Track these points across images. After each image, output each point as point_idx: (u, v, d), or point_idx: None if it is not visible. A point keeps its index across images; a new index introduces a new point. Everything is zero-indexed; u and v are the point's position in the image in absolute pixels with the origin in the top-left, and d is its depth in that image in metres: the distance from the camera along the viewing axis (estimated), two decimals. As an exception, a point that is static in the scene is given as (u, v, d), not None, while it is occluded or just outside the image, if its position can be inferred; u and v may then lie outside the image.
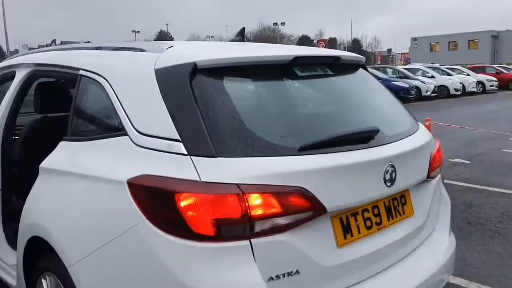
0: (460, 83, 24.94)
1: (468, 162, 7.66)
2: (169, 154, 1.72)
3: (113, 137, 1.99)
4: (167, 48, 2.06)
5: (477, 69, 30.78)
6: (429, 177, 2.31)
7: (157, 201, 1.66)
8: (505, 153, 8.43)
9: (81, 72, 2.35)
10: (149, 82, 1.92)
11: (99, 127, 2.26)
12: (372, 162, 1.92)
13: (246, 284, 1.60)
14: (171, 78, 1.88)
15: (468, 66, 32.31)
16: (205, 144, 1.68)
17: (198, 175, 1.62)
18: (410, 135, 2.27)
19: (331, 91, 2.31)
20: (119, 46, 2.41)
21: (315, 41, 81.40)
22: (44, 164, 2.29)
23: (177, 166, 1.67)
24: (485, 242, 4.18)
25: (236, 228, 1.61)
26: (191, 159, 1.66)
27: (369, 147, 1.96)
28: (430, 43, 65.56)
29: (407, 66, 30.77)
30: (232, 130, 1.75)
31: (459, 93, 24.42)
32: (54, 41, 43.27)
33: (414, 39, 67.15)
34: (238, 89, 1.96)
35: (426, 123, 6.28)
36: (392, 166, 1.98)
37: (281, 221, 1.66)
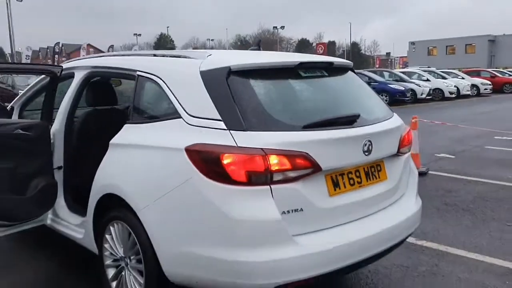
0: (455, 86, 25.78)
1: (453, 156, 8.46)
2: (213, 129, 2.51)
3: (169, 120, 2.78)
4: (207, 56, 2.86)
5: (472, 73, 31.65)
6: (399, 152, 3.10)
7: (207, 160, 2.45)
8: (488, 149, 9.23)
9: (138, 73, 3.15)
10: (196, 80, 2.72)
11: (156, 113, 3.05)
12: (354, 137, 2.72)
13: (267, 215, 2.39)
14: (213, 77, 2.68)
15: (463, 70, 33.14)
16: (239, 122, 2.47)
17: (235, 142, 2.41)
18: (384, 120, 3.07)
19: (326, 87, 3.12)
20: (166, 54, 3.21)
21: (314, 44, 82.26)
22: (113, 141, 3.07)
23: (220, 137, 2.46)
24: (457, 218, 4.97)
25: (260, 177, 2.40)
26: (230, 132, 2.45)
27: (352, 127, 2.76)
28: (428, 47, 66.48)
29: (404, 70, 31.61)
30: (256, 113, 2.55)
31: (453, 96, 25.26)
32: (57, 43, 43.90)
33: (412, 43, 68.07)
34: (259, 84, 2.75)
35: (413, 120, 7.10)
36: (369, 141, 2.77)
37: (291, 174, 2.45)
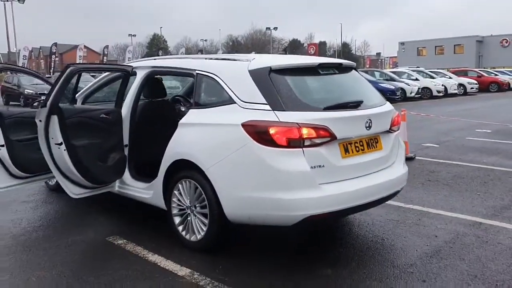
0: (442, 85, 27.08)
1: (437, 146, 9.63)
2: (261, 110, 3.61)
3: (226, 105, 3.87)
4: (252, 59, 3.96)
5: (460, 73, 33.05)
6: (390, 129, 4.22)
7: (258, 131, 3.54)
8: (469, 140, 10.42)
9: (197, 71, 4.24)
10: (246, 76, 3.82)
11: (214, 100, 4.13)
12: (359, 116, 3.84)
13: (301, 167, 3.49)
14: (258, 74, 3.78)
15: (450, 70, 34.50)
16: (279, 105, 3.58)
17: (278, 118, 3.52)
18: (380, 105, 4.18)
19: (337, 81, 4.25)
20: (218, 57, 4.32)
21: (305, 45, 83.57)
22: (182, 121, 4.15)
23: (267, 115, 3.57)
24: (437, 190, 6.11)
25: (296, 142, 3.50)
26: (274, 112, 3.56)
27: (357, 109, 3.88)
28: (418, 48, 67.99)
29: (393, 70, 32.91)
30: (291, 98, 3.66)
31: (441, 94, 26.57)
32: (54, 44, 44.64)
33: (402, 43, 69.53)
34: (291, 79, 3.85)
35: (402, 113, 8.24)
36: (370, 119, 3.88)
37: (316, 141, 3.56)
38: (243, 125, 3.63)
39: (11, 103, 25.56)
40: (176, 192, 4.20)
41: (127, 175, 4.83)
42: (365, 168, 3.93)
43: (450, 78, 29.63)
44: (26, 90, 24.23)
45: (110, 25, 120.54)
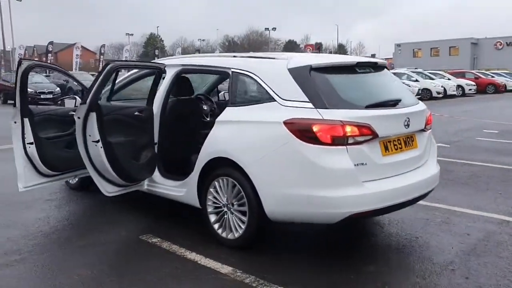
0: (442, 86, 27.27)
1: (448, 146, 9.68)
2: (303, 108, 3.62)
3: (265, 103, 3.87)
4: (290, 58, 3.96)
5: (457, 74, 33.24)
6: (425, 128, 4.24)
7: (301, 129, 3.54)
8: (479, 140, 10.49)
9: (232, 70, 4.24)
10: (285, 75, 3.83)
11: (252, 98, 4.13)
12: (399, 115, 3.86)
13: (345, 165, 3.49)
14: (299, 73, 3.79)
15: (449, 71, 34.70)
16: (322, 103, 3.58)
17: (322, 116, 3.52)
18: (415, 104, 4.21)
19: (373, 80, 4.26)
20: (254, 56, 4.32)
21: (301, 46, 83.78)
22: (219, 119, 4.15)
23: (310, 113, 3.57)
24: (459, 189, 6.15)
25: (340, 140, 3.50)
26: (317, 110, 3.56)
27: (396, 108, 3.90)
28: (413, 49, 68.39)
29: (393, 71, 33.03)
30: (333, 96, 3.67)
31: (441, 95, 26.75)
32: (51, 43, 44.36)
33: (398, 45, 69.90)
34: (331, 77, 3.86)
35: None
36: (408, 118, 3.90)
37: (359, 139, 3.57)
38: (285, 122, 3.63)
39: (9, 101, 25.39)
40: (212, 190, 4.19)
41: (156, 173, 4.81)
42: (403, 166, 3.94)
43: (448, 79, 29.82)
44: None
45: (104, 24, 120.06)
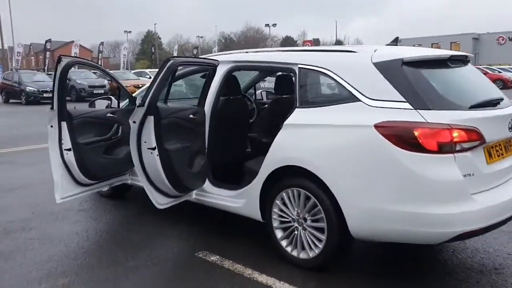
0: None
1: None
2: (399, 109, 3.11)
3: (346, 103, 3.37)
4: (375, 51, 3.45)
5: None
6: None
7: (399, 133, 3.04)
8: None
9: (299, 66, 3.73)
10: (371, 70, 3.32)
11: (328, 98, 3.63)
12: (504, 116, 3.36)
13: (454, 177, 2.99)
14: (388, 67, 3.28)
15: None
16: (423, 103, 3.08)
17: (425, 119, 3.02)
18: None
19: (465, 75, 3.76)
20: (325, 49, 3.81)
21: (298, 42, 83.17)
22: (288, 122, 3.63)
23: (408, 115, 3.07)
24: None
25: (447, 147, 3.01)
26: (417, 111, 3.06)
27: (498, 108, 3.40)
28: (414, 45, 67.64)
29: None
30: (434, 95, 3.18)
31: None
32: (49, 41, 43.60)
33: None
34: (426, 72, 3.35)
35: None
36: (511, 119, 3.40)
37: (466, 145, 3.07)
38: (377, 126, 3.12)
39: (11, 100, 24.82)
40: (278, 202, 3.69)
41: (206, 181, 4.31)
42: (505, 174, 3.45)
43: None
44: (27, 87, 23.59)
45: (99, 22, 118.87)
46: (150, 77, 28.35)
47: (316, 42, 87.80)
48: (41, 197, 5.53)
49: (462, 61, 3.78)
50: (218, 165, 4.43)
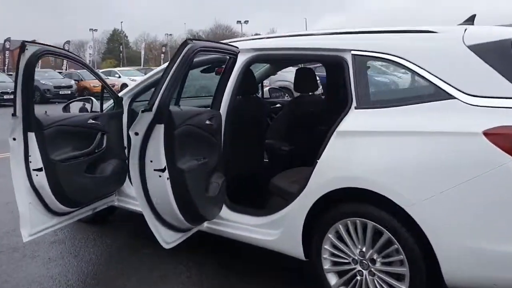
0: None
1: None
2: (517, 109, 2.20)
3: (432, 102, 2.44)
4: (465, 30, 2.53)
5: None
6: None
7: (525, 144, 2.14)
8: None
9: (353, 52, 2.78)
10: (466, 56, 2.40)
11: (403, 95, 2.70)
12: None
13: None
14: (495, 52, 2.37)
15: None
16: None
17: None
18: None
19: None
20: (389, 30, 2.85)
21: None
22: (343, 128, 2.66)
23: None
24: None
25: None
26: (548, 113, 2.15)
27: None
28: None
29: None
30: None
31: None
32: (8, 39, 41.28)
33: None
34: None
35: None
36: None
37: None
38: (488, 133, 2.20)
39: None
40: (331, 236, 2.74)
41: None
42: None
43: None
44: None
45: (61, 21, 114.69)
46: (119, 76, 26.92)
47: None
48: (0, 225, 4.40)
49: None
50: (233, 181, 3.44)
